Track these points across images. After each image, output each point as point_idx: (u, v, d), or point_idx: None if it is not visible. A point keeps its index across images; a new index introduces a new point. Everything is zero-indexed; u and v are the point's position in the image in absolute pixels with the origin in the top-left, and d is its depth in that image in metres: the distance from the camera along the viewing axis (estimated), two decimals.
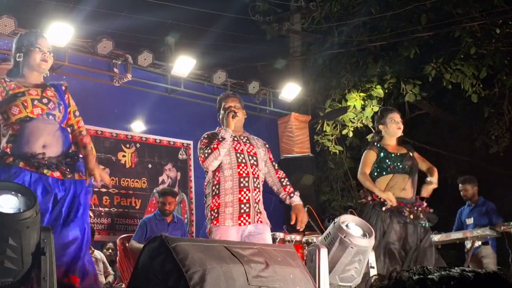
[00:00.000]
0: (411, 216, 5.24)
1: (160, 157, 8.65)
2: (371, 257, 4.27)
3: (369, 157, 5.45)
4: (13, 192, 2.97)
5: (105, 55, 7.93)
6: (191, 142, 9.01)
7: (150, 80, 8.66)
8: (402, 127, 5.52)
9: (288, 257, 3.31)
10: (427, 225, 5.34)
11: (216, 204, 4.61)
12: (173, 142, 8.88)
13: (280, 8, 10.80)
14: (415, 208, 5.30)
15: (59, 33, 7.38)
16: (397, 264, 5.04)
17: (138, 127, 8.48)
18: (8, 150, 3.60)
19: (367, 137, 10.26)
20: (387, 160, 5.41)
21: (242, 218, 4.60)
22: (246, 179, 4.67)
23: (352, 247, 4.10)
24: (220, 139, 4.61)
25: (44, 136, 3.64)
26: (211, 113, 9.35)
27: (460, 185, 8.06)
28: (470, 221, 7.92)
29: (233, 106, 4.83)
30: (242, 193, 4.65)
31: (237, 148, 4.73)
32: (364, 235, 4.26)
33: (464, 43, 9.79)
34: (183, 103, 8.96)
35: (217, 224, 4.56)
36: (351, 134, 10.31)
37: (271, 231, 6.73)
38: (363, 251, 4.13)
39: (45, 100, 3.71)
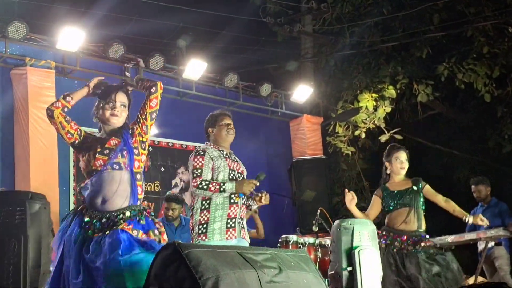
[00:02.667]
0: (402, 247, 5.37)
1: (172, 161, 8.67)
2: None
3: (373, 202, 5.75)
4: None
5: (116, 59, 7.96)
6: None
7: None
8: (406, 167, 5.67)
9: (301, 261, 3.30)
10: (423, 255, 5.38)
11: (205, 219, 4.74)
12: (186, 145, 8.89)
13: (291, 10, 10.80)
14: (412, 240, 5.38)
15: (71, 38, 7.42)
16: None
17: (150, 131, 8.49)
18: (82, 199, 3.73)
19: (379, 138, 10.23)
20: (389, 200, 5.62)
21: (229, 233, 4.74)
22: (236, 195, 4.83)
23: None
24: (221, 190, 4.71)
25: (104, 190, 3.62)
26: None
27: (473, 186, 8.02)
28: None
29: (230, 124, 5.06)
30: (232, 208, 4.81)
31: (230, 165, 4.89)
32: None
33: (476, 42, 9.74)
34: (195, 106, 8.97)
35: (205, 239, 4.69)
36: (363, 135, 10.27)
37: (285, 234, 6.76)
38: None
39: (106, 151, 3.66)
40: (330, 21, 11.06)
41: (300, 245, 6.48)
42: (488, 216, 7.79)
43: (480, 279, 7.91)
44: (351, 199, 5.52)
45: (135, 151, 3.74)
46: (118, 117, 3.77)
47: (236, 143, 9.09)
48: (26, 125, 7.13)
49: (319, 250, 6.64)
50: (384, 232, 5.51)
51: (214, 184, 4.71)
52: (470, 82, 9.71)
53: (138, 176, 3.72)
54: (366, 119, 10.14)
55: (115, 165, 3.64)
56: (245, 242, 4.85)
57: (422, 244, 5.38)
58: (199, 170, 4.76)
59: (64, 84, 7.59)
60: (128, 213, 3.57)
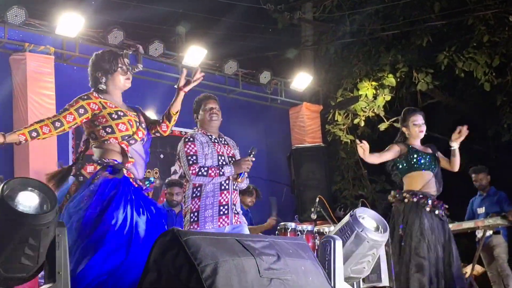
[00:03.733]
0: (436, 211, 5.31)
1: (172, 148, 8.65)
2: (382, 251, 4.27)
3: (391, 148, 5.50)
4: (33, 190, 2.97)
5: (116, 45, 7.93)
6: None
7: (161, 70, 8.66)
8: (424, 129, 5.54)
9: (299, 249, 3.31)
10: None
11: (196, 207, 4.66)
12: (185, 132, 8.87)
13: None
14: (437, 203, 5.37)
15: (70, 24, 7.40)
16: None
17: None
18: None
19: (378, 126, 10.23)
20: (420, 158, 5.46)
21: (221, 220, 4.66)
22: (227, 181, 4.73)
23: (368, 241, 4.10)
24: (221, 174, 4.65)
25: (138, 161, 3.86)
26: (222, 103, 9.36)
27: (473, 175, 8.03)
28: (481, 210, 7.92)
29: (214, 107, 4.95)
30: (223, 195, 4.71)
31: (219, 150, 4.78)
32: (377, 228, 4.26)
33: (477, 31, 9.71)
34: (195, 93, 8.88)
35: (197, 227, 4.61)
36: (362, 124, 10.28)
37: (283, 221, 6.77)
38: (378, 246, 4.13)
39: (143, 125, 3.93)
40: (330, 8, 11.03)
41: (299, 232, 6.46)
42: (487, 205, 7.87)
43: (478, 267, 7.96)
44: (363, 151, 5.29)
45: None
46: (130, 80, 4.00)
47: (235, 130, 9.14)
48: (25, 111, 7.11)
49: (317, 237, 6.64)
50: (421, 195, 5.32)
51: (213, 169, 4.62)
52: (470, 71, 9.69)
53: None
54: (365, 107, 10.14)
55: (144, 139, 3.93)
56: (241, 227, 4.76)
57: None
58: (194, 157, 4.65)
59: (63, 70, 7.58)
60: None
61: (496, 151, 11.23)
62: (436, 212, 5.30)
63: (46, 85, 7.25)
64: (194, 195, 4.68)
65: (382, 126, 10.13)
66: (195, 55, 8.53)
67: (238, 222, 4.75)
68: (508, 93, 10.18)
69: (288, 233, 6.48)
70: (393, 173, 5.65)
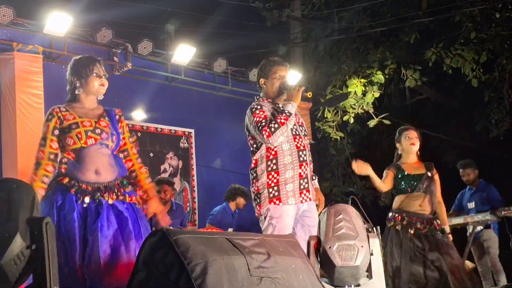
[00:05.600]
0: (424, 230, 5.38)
1: (161, 146, 8.67)
2: (375, 245, 4.15)
3: (387, 176, 5.62)
4: None
5: (104, 44, 7.91)
6: (192, 131, 9.03)
7: (150, 68, 8.64)
8: (416, 143, 5.63)
9: (290, 247, 3.32)
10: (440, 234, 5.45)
11: (275, 181, 4.33)
12: (174, 130, 8.89)
13: None
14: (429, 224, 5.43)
15: (58, 23, 7.36)
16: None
17: (139, 116, 8.47)
18: (63, 170, 3.80)
19: (368, 123, 10.27)
20: (403, 182, 5.57)
21: (303, 195, 4.37)
22: (304, 152, 4.45)
23: (330, 210, 3.83)
24: (288, 114, 4.31)
25: (96, 163, 3.81)
26: (212, 101, 9.43)
27: (461, 170, 8.08)
28: (471, 205, 7.94)
29: (286, 76, 4.59)
30: (302, 167, 4.39)
31: None
32: None
33: (464, 27, 9.77)
34: (184, 91, 8.95)
35: (279, 203, 4.32)
36: (352, 120, 10.31)
37: None
38: (342, 210, 3.82)
39: (98, 131, 3.85)
40: (319, 6, 11.05)
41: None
42: (476, 200, 7.90)
43: (468, 263, 8.00)
44: (361, 168, 5.30)
45: (121, 136, 4.00)
46: (105, 87, 3.99)
47: (225, 127, 9.16)
48: (13, 110, 7.08)
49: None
50: (397, 215, 5.47)
51: (279, 116, 4.29)
52: (458, 67, 9.74)
53: (121, 155, 4.05)
54: (354, 104, 10.17)
55: (104, 145, 3.86)
56: (313, 207, 4.46)
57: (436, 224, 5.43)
58: (263, 121, 4.29)
59: (51, 69, 7.54)
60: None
61: (484, 147, 11.29)
62: (410, 230, 5.39)
63: (35, 84, 7.21)
64: (269, 168, 4.35)
65: (372, 123, 10.17)
66: (184, 53, 8.52)
67: (313, 199, 4.50)
68: (496, 89, 10.25)
69: None
70: (384, 195, 5.80)
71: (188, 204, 8.71)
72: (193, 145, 8.97)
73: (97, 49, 7.98)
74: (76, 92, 3.95)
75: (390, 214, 5.57)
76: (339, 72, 10.55)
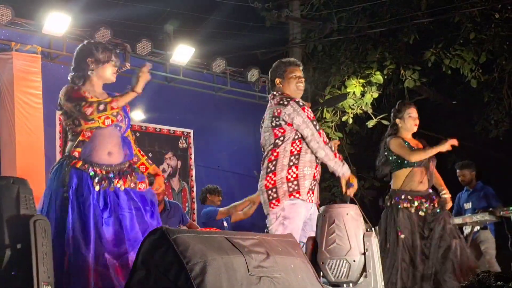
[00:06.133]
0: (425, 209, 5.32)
1: (160, 146, 8.66)
2: (373, 244, 4.15)
3: (401, 142, 5.48)
4: None
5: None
6: (191, 131, 9.02)
7: (150, 68, 8.61)
8: (418, 123, 5.60)
9: (289, 247, 3.32)
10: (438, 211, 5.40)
11: (294, 176, 4.38)
12: (173, 130, 8.88)
13: None
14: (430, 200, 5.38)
15: (57, 23, 7.36)
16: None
17: (137, 116, 8.46)
18: (76, 154, 3.86)
19: (367, 123, 10.25)
20: None
21: (309, 194, 4.43)
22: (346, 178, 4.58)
23: (324, 215, 3.94)
24: (343, 164, 4.50)
25: (110, 145, 3.93)
26: (210, 101, 9.41)
27: (458, 170, 8.09)
28: (468, 205, 7.95)
29: (301, 76, 4.70)
30: (317, 168, 4.52)
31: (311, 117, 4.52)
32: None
33: (463, 28, 9.76)
34: (183, 92, 8.94)
35: (299, 196, 4.36)
36: (350, 121, 10.29)
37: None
38: (336, 215, 3.93)
39: (114, 113, 3.96)
40: (318, 6, 11.03)
41: None
42: (473, 200, 7.91)
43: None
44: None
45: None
46: (115, 75, 4.15)
47: (224, 128, 9.15)
48: (11, 110, 7.07)
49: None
50: (409, 196, 5.35)
51: (336, 154, 4.45)
52: (457, 68, 9.73)
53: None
54: (353, 105, 10.15)
55: (118, 127, 4.00)
56: (316, 210, 4.47)
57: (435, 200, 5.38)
58: (317, 123, 4.45)
59: (50, 69, 7.54)
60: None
61: (483, 147, 11.29)
62: (420, 213, 5.33)
63: (33, 84, 7.21)
64: (291, 163, 4.41)
65: (370, 123, 10.16)
66: (183, 53, 8.52)
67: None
68: (495, 89, 10.24)
69: None
70: (381, 168, 5.66)
71: (187, 204, 8.70)
72: (192, 145, 8.96)
73: None
74: (89, 73, 4.03)
75: (403, 195, 5.38)
76: (338, 73, 10.53)
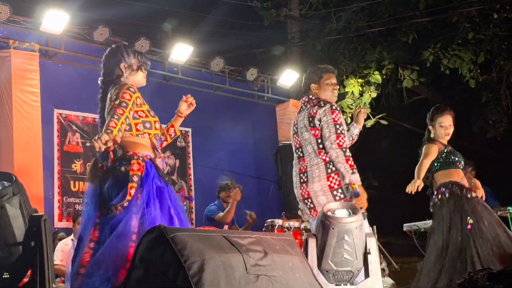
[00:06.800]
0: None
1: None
2: (371, 244, 4.16)
3: (431, 150, 5.25)
4: None
5: (101, 42, 7.88)
6: (189, 130, 9.01)
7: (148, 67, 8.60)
8: (451, 131, 5.35)
9: (287, 245, 3.31)
10: None
11: (337, 183, 4.49)
12: None
13: None
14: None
15: (55, 21, 7.35)
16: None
17: None
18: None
19: (365, 123, 10.24)
20: (452, 156, 5.30)
21: None
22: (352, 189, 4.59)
23: (333, 228, 3.99)
24: (353, 172, 4.51)
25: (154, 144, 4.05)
26: (209, 100, 9.39)
27: None
28: None
29: (335, 83, 4.79)
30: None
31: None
32: (349, 214, 4.16)
33: (462, 28, 9.76)
34: (181, 90, 8.86)
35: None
36: (349, 120, 10.28)
37: (270, 218, 6.76)
38: (346, 230, 4.00)
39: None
40: (316, 5, 11.04)
41: (286, 229, 6.47)
42: None
43: None
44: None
45: None
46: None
47: (222, 127, 9.14)
48: (9, 108, 7.07)
49: (305, 234, 6.65)
50: (450, 186, 5.15)
51: (350, 160, 4.48)
52: (455, 68, 9.74)
53: None
54: (352, 104, 10.15)
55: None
56: None
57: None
58: (342, 127, 4.50)
59: (48, 67, 7.53)
60: None
61: (481, 147, 11.30)
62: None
63: (31, 82, 7.20)
64: (329, 170, 4.52)
65: (369, 123, 10.15)
66: (181, 52, 8.50)
67: None
68: (493, 89, 10.25)
69: (276, 230, 6.49)
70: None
71: (185, 203, 8.68)
72: (190, 144, 8.96)
73: (94, 47, 7.96)
74: (122, 79, 3.97)
75: (463, 187, 5.18)
76: (337, 72, 10.52)
